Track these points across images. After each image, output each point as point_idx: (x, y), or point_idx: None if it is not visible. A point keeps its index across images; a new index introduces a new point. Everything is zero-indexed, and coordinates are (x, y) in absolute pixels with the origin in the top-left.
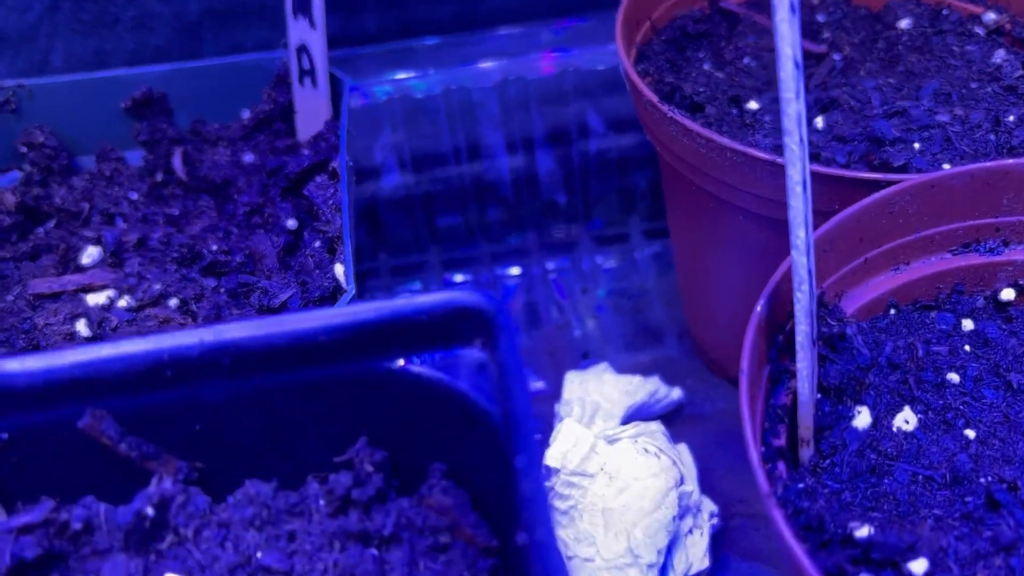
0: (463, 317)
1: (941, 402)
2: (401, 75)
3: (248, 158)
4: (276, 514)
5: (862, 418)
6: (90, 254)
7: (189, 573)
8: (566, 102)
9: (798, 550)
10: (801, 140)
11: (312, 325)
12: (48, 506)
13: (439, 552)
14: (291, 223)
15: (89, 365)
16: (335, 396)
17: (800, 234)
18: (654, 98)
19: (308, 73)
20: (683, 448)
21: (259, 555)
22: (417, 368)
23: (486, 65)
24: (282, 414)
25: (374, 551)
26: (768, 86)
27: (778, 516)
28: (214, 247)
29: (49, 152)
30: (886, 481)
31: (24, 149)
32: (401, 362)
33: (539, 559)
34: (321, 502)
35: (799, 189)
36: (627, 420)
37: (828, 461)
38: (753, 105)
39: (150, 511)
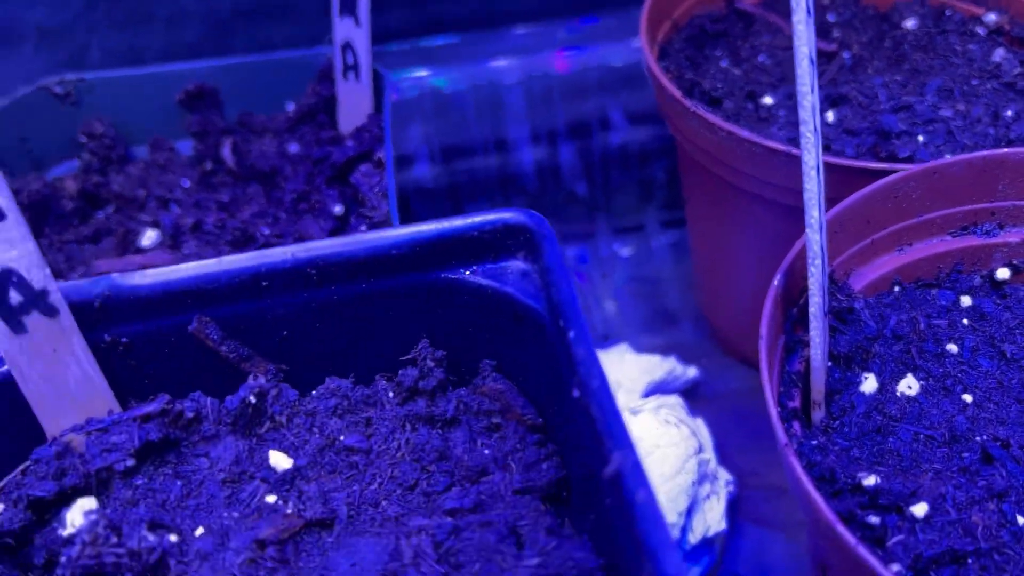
0: (510, 233)
1: (941, 370)
2: (423, 72)
3: (293, 148)
4: (354, 404)
5: (869, 384)
6: (149, 237)
7: (285, 452)
8: (586, 97)
9: (814, 494)
10: (815, 129)
11: (384, 241)
12: (164, 399)
13: (493, 431)
14: (337, 209)
15: (199, 278)
16: (401, 303)
17: (814, 214)
18: (677, 93)
19: (352, 68)
20: (700, 421)
21: (342, 438)
22: (471, 277)
23: (504, 63)
24: (356, 320)
25: (438, 432)
26: (782, 82)
27: (795, 464)
28: (266, 231)
29: (107, 142)
30: (890, 440)
31: (84, 139)
32: (463, 273)
33: (597, 404)
34: (391, 394)
35: (813, 173)
36: (647, 396)
37: (838, 422)
38: (768, 100)
39: (252, 399)
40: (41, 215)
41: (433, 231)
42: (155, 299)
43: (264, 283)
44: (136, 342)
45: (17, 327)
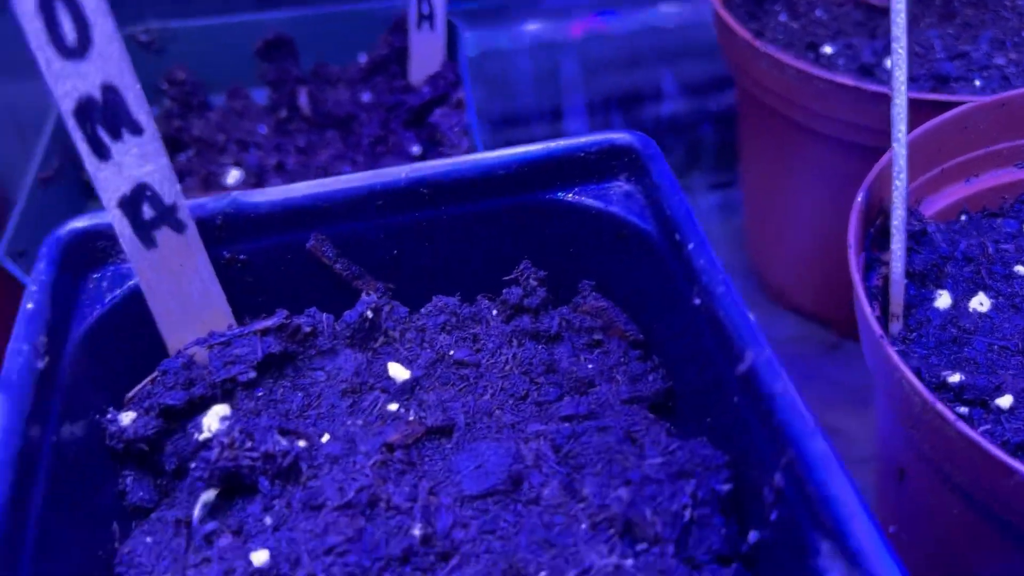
0: (615, 154)
1: (1009, 289)
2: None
3: (366, 97)
4: (462, 321)
5: (943, 300)
6: (233, 176)
7: (400, 364)
8: (636, 64)
9: (911, 376)
10: (906, 46)
11: (493, 161)
12: (283, 314)
13: (594, 347)
14: (415, 149)
15: (316, 196)
16: (504, 224)
17: (901, 128)
18: (748, 35)
19: (427, 18)
20: None
21: (451, 352)
22: (573, 198)
23: (532, 27)
24: (462, 240)
25: (543, 347)
26: (839, 35)
27: (891, 352)
28: (347, 170)
29: (188, 88)
30: (966, 350)
31: (165, 85)
32: (566, 194)
33: (723, 308)
34: (494, 312)
35: (903, 88)
36: None
37: (915, 333)
38: (828, 50)
39: (370, 314)
40: None
41: (541, 151)
42: (274, 216)
43: (378, 202)
44: (253, 259)
45: (148, 241)
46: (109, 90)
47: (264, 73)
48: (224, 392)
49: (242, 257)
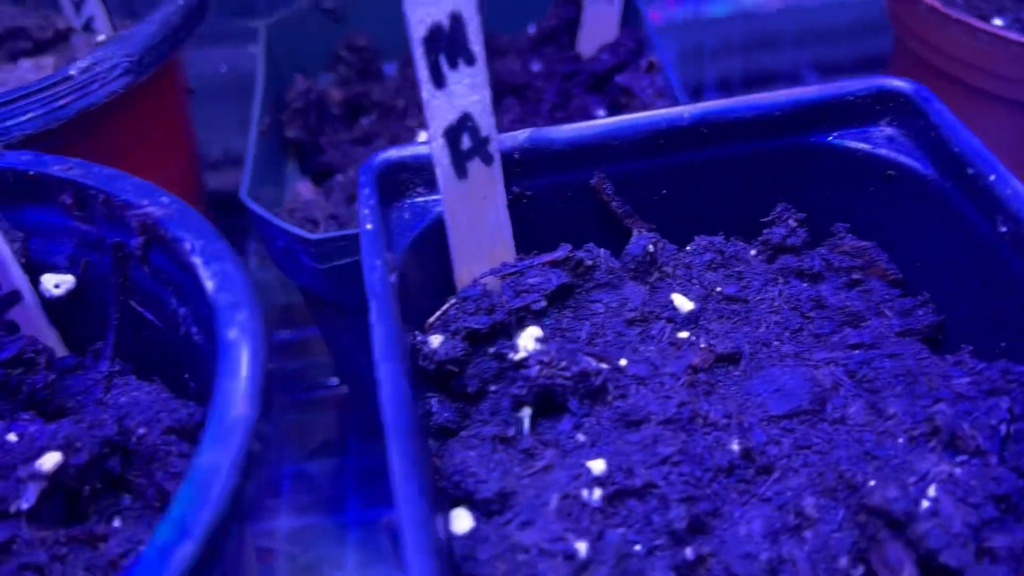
0: (881, 98)
1: None
2: None
3: (535, 66)
4: (727, 259)
5: None
6: (423, 136)
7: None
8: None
9: None
10: None
11: (769, 102)
12: (567, 248)
13: (854, 286)
14: (600, 113)
15: (607, 133)
16: (767, 166)
17: None
18: (936, 3)
19: None
20: None
21: (719, 288)
22: (835, 140)
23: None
24: (726, 181)
25: (807, 285)
26: (1004, 9)
27: None
28: None
29: (368, 55)
30: None
31: (343, 52)
32: (830, 137)
33: None
34: (753, 252)
35: None
36: None
37: None
38: (998, 22)
39: (652, 248)
40: (319, 116)
41: (814, 94)
42: (566, 152)
43: (660, 141)
44: (538, 195)
45: (461, 172)
46: (456, 19)
47: None
48: (517, 320)
49: (528, 193)
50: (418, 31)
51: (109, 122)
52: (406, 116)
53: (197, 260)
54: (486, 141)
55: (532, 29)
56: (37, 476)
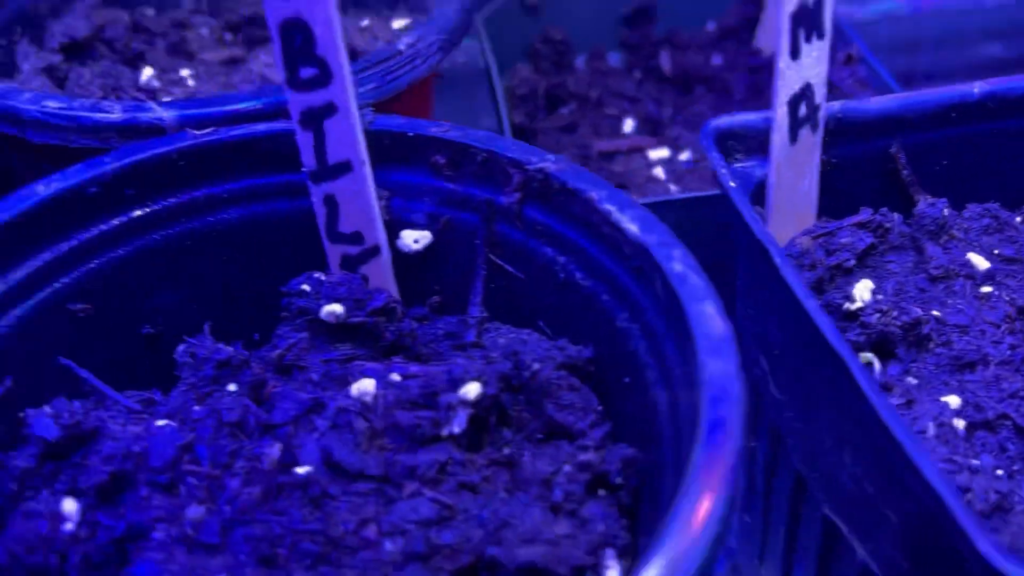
0: None
1: None
2: None
3: (716, 60)
4: (1002, 224)
5: None
6: (628, 124)
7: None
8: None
9: None
10: None
11: None
12: (868, 211)
13: None
14: None
15: (906, 105)
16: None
17: None
18: None
19: None
20: None
21: (996, 251)
22: None
23: None
24: (998, 155)
25: None
26: None
27: None
28: None
29: (562, 48)
30: None
31: (540, 45)
32: None
33: None
34: (1018, 219)
35: None
36: None
37: None
38: None
39: (946, 212)
40: (530, 106)
41: None
42: (872, 123)
43: (952, 114)
44: (842, 163)
45: (793, 138)
46: None
47: (625, 37)
48: (829, 278)
49: (834, 160)
50: (789, 6)
51: (408, 99)
52: (602, 105)
53: (611, 207)
54: (817, 108)
55: (711, 26)
56: (466, 403)
